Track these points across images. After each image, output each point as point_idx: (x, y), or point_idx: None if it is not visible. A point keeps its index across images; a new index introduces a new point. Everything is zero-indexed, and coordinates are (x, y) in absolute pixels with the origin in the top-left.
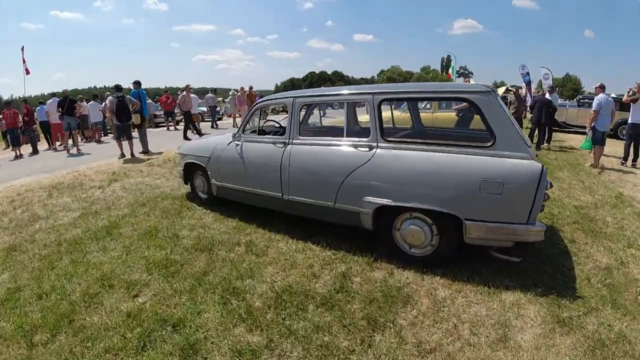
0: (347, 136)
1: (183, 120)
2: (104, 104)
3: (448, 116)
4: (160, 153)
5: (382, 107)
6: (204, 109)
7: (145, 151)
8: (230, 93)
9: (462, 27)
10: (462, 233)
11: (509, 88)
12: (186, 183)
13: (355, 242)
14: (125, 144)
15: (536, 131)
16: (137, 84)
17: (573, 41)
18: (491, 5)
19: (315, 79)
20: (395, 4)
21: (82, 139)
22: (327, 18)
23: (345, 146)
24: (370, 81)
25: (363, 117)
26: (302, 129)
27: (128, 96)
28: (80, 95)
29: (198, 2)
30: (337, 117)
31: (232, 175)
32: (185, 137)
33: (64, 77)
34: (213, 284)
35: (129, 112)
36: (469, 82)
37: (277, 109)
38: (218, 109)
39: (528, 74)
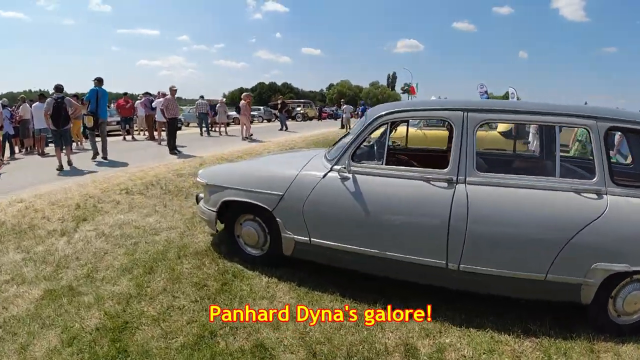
0: (560, 175)
1: (165, 129)
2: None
3: (442, 134)
4: (125, 165)
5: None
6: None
7: (102, 156)
8: (220, 99)
9: (404, 46)
10: None
11: None
12: (218, 222)
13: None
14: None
15: None
16: (99, 80)
17: (509, 61)
18: (432, 27)
19: (265, 90)
20: (343, 21)
21: (20, 150)
22: (276, 30)
23: (559, 191)
24: (319, 94)
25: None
26: (479, 161)
27: (68, 97)
28: (22, 95)
29: (144, 6)
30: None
31: (334, 228)
32: (173, 150)
33: None
34: None
35: (68, 115)
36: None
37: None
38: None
39: (486, 92)
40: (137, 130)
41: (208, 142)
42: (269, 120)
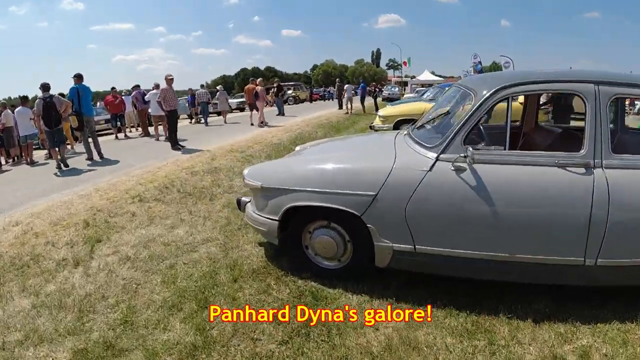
0: None
1: (167, 122)
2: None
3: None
4: (126, 167)
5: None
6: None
7: (96, 158)
8: (217, 88)
9: (386, 21)
10: None
11: None
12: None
13: None
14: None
15: None
16: (78, 77)
17: (491, 31)
18: (413, 1)
19: (249, 75)
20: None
21: (7, 161)
22: (253, 13)
23: None
24: (304, 76)
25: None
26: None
27: (57, 96)
28: (3, 102)
29: None
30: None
31: (450, 232)
32: (176, 145)
33: None
34: None
35: (58, 114)
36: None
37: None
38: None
39: (480, 62)
40: (128, 127)
41: (210, 133)
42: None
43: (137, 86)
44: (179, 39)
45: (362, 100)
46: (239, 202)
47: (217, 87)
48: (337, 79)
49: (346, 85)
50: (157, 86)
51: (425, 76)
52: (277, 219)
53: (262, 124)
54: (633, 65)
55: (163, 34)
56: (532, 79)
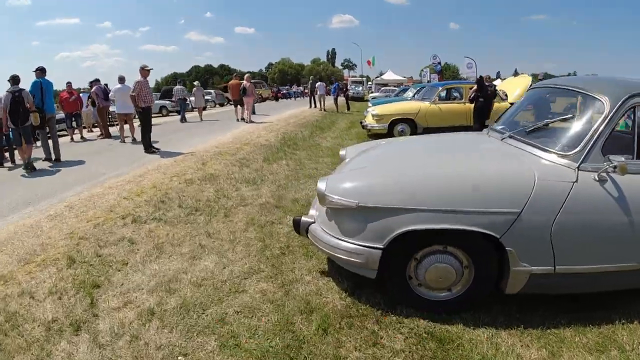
0: None
1: (139, 121)
2: None
3: (459, 108)
4: (97, 175)
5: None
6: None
7: (54, 158)
8: (195, 84)
9: (340, 21)
10: None
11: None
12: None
13: None
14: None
15: None
16: (42, 71)
17: (441, 33)
18: (365, 2)
19: (202, 73)
20: None
21: None
22: (205, 9)
23: None
24: (259, 74)
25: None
26: None
27: (26, 90)
28: None
29: None
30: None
31: (591, 247)
32: (150, 148)
33: None
34: None
35: (27, 110)
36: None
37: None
38: (188, 101)
39: (440, 63)
40: (87, 127)
41: (188, 131)
42: (221, 105)
43: (97, 80)
44: (126, 34)
45: (336, 99)
46: (297, 223)
47: (195, 83)
48: (311, 77)
49: (318, 83)
50: (121, 79)
51: (390, 75)
52: (381, 246)
53: (248, 120)
54: (577, 65)
55: (109, 29)
56: None
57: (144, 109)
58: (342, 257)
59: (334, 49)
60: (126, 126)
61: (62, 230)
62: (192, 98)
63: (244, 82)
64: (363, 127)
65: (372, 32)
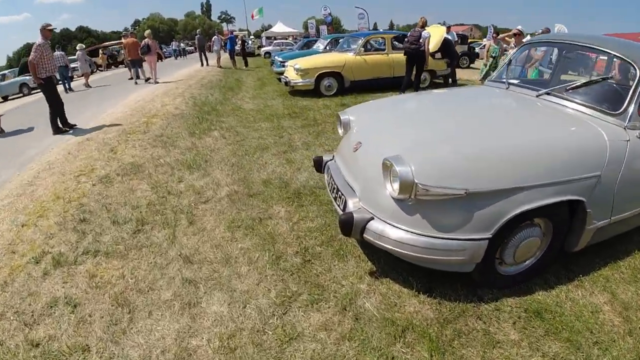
0: None
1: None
2: None
3: (383, 59)
4: None
5: None
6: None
7: None
8: (77, 47)
9: None
10: None
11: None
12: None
13: None
14: None
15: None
16: None
17: None
18: None
19: (57, 40)
20: None
21: None
22: None
23: None
24: (118, 35)
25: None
26: None
27: None
28: None
29: None
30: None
31: (634, 195)
32: (58, 129)
33: None
34: None
35: None
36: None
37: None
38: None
39: (330, 14)
40: None
41: (77, 104)
42: (91, 72)
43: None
44: None
45: (233, 54)
46: (348, 222)
47: (77, 47)
48: (197, 31)
49: (214, 38)
50: None
51: (280, 28)
52: (489, 235)
53: (154, 80)
54: None
55: None
56: None
57: (45, 80)
58: (437, 257)
59: (208, 1)
60: None
61: None
62: (79, 63)
63: (147, 39)
64: (285, 83)
65: None
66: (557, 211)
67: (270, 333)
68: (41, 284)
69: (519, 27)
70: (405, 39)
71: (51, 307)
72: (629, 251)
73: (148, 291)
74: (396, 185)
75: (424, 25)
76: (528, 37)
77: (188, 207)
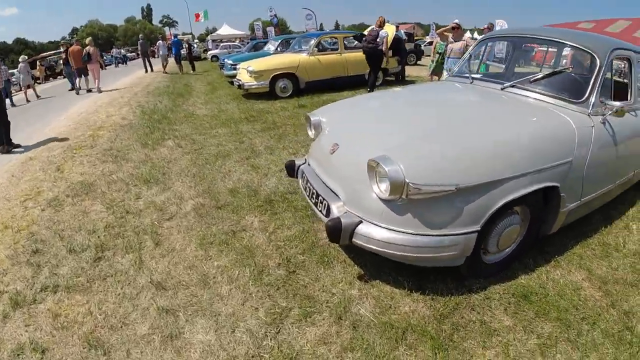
0: None
1: None
2: None
3: (336, 59)
4: None
5: None
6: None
7: None
8: (20, 59)
9: None
10: None
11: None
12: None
13: None
14: None
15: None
16: None
17: None
18: None
19: None
20: None
21: None
22: None
23: None
24: (55, 45)
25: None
26: None
27: None
28: None
29: None
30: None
31: (602, 177)
32: (10, 147)
33: None
34: None
35: None
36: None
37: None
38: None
39: (276, 15)
40: None
41: (17, 119)
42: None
43: None
44: None
45: (179, 59)
46: (336, 228)
47: (20, 59)
48: (140, 36)
49: (159, 42)
50: None
51: (226, 30)
52: (478, 228)
53: (98, 89)
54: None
55: None
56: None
57: None
58: (430, 255)
59: (149, 5)
60: None
61: None
62: (21, 75)
63: (88, 47)
64: (239, 86)
65: None
66: (534, 198)
67: (267, 356)
68: (2, 329)
69: (456, 21)
70: (364, 38)
71: (18, 355)
72: (595, 229)
73: (121, 327)
74: (385, 186)
75: (381, 24)
76: (468, 33)
77: (151, 227)
